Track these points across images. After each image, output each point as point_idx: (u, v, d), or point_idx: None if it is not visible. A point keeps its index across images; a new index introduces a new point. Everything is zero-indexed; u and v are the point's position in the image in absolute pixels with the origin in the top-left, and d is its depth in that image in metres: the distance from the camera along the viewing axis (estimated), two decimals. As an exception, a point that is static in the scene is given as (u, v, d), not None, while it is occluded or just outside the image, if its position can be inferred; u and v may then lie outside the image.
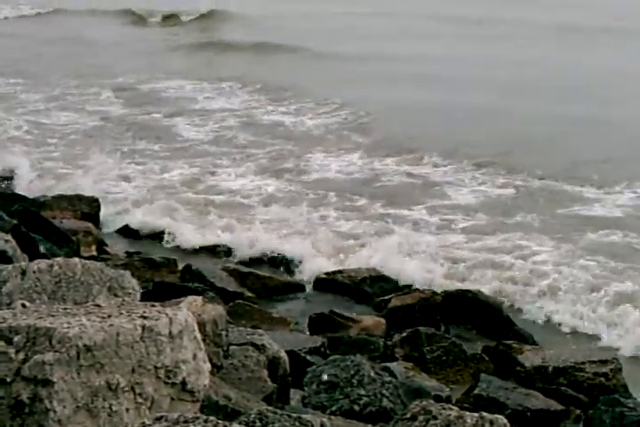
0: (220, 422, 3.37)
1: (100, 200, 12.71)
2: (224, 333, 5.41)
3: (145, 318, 3.84)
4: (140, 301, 4.83)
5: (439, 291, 9.68)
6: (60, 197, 12.45)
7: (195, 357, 3.96)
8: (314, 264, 11.02)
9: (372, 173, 14.50)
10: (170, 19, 34.88)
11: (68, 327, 3.66)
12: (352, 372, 6.20)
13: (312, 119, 18.17)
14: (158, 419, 3.35)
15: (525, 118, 17.25)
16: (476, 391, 7.14)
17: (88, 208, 12.41)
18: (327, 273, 10.51)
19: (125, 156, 15.39)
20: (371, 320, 9.16)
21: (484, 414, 3.78)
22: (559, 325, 9.74)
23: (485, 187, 13.85)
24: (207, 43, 28.28)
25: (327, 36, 28.28)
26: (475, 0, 35.13)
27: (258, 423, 3.53)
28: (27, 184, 13.69)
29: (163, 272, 10.19)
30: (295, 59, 24.68)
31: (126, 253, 11.07)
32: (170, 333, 3.85)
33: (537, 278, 10.49)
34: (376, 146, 15.90)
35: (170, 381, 3.83)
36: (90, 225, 11.61)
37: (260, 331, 6.18)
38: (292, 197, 13.37)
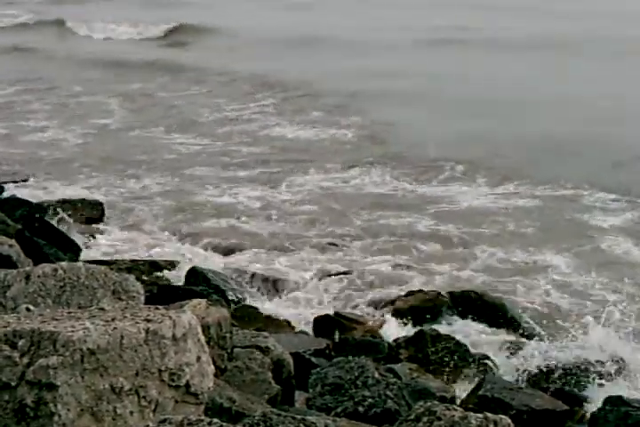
0: (224, 424, 3.39)
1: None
2: (228, 335, 5.43)
3: (149, 321, 3.85)
4: (145, 304, 4.84)
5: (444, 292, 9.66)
6: (64, 202, 12.48)
7: (199, 359, 3.96)
8: None
9: (388, 188, 14.30)
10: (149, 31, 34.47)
11: (72, 331, 3.67)
12: (356, 373, 6.20)
13: (322, 132, 17.90)
14: (162, 422, 3.37)
15: (540, 129, 17.14)
16: (480, 392, 7.14)
17: (92, 212, 12.44)
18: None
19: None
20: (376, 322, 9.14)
21: (489, 414, 3.78)
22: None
23: (502, 198, 13.71)
24: (204, 55, 28.21)
25: (330, 48, 28.20)
26: (476, 13, 35.07)
27: (262, 425, 3.53)
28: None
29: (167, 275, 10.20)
30: (299, 68, 24.64)
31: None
32: (174, 336, 3.86)
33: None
34: (394, 160, 15.69)
35: (174, 383, 3.84)
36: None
37: (264, 333, 6.19)
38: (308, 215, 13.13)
